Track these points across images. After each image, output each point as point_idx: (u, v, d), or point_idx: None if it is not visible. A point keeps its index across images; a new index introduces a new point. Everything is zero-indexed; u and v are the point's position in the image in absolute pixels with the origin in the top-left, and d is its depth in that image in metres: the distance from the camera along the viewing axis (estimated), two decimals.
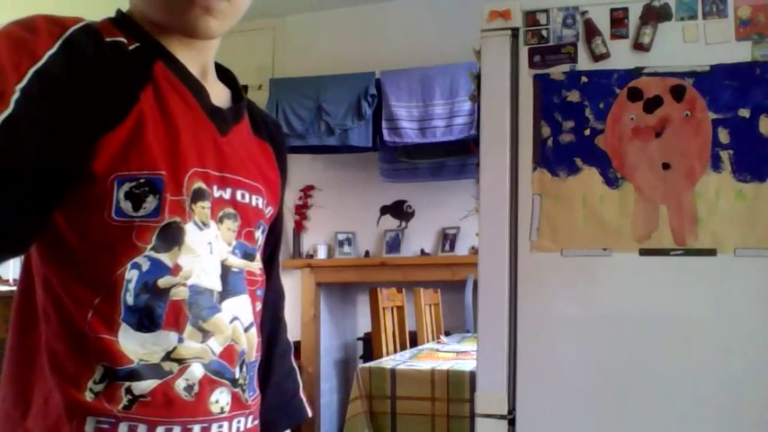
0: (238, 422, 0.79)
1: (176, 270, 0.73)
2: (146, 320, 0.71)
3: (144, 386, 0.71)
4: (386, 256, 4.56)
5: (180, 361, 0.73)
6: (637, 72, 1.57)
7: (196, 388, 0.74)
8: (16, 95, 0.64)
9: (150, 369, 0.71)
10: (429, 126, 4.22)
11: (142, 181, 0.71)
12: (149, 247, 0.71)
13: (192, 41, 0.81)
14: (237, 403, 0.79)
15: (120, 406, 0.70)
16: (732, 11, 1.53)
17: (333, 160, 4.79)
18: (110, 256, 0.71)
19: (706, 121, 1.53)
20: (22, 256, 0.76)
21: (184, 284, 0.73)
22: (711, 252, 1.51)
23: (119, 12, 0.82)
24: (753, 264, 1.49)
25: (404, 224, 4.65)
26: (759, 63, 1.51)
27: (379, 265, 4.49)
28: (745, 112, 1.51)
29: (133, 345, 0.71)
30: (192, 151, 0.76)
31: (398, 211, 4.68)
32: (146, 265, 0.71)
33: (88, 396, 0.70)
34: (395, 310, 3.48)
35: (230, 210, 0.80)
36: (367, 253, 4.68)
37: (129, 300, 0.71)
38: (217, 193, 0.78)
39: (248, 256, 0.83)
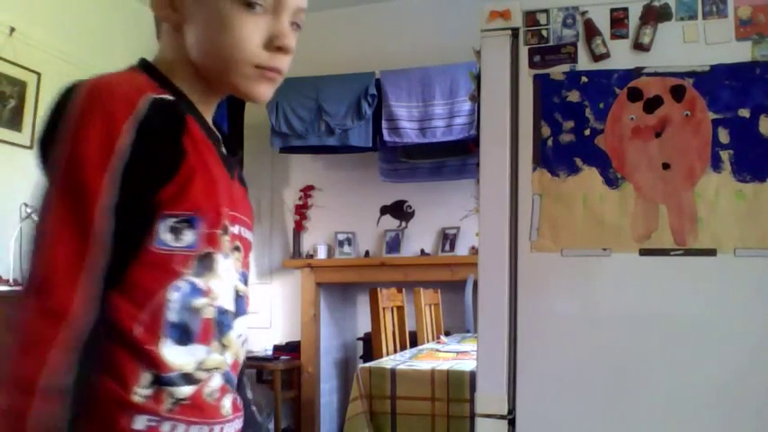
0: (236, 423, 0.90)
1: (208, 292, 0.83)
2: (183, 335, 0.81)
3: (183, 391, 0.81)
4: (386, 256, 4.56)
5: (207, 371, 0.83)
6: (637, 72, 1.57)
7: (216, 394, 0.85)
8: (100, 218, 0.75)
9: (186, 377, 0.81)
10: (429, 126, 4.22)
11: (184, 218, 0.81)
12: (189, 272, 0.81)
13: (219, 96, 0.92)
14: (235, 407, 0.89)
15: (165, 407, 0.79)
16: (732, 11, 1.53)
17: (333, 160, 4.79)
18: (154, 280, 0.80)
19: (706, 121, 1.53)
20: None
21: (212, 305, 0.84)
22: (711, 252, 1.51)
23: (149, 64, 0.89)
24: (753, 264, 1.49)
25: (404, 224, 4.65)
26: (759, 63, 1.51)
27: (379, 265, 4.49)
28: (745, 112, 1.51)
29: (173, 356, 0.80)
30: (223, 194, 0.87)
31: (398, 211, 4.67)
32: (185, 288, 0.81)
33: (136, 398, 0.78)
34: (395, 310, 3.48)
35: (238, 243, 0.90)
36: (367, 253, 4.68)
37: (171, 317, 0.80)
38: (231, 229, 0.89)
39: (246, 282, 0.94)
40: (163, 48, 0.90)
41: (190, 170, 0.81)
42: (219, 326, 0.85)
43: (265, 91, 0.88)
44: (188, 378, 0.81)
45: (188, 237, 0.81)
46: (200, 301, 0.82)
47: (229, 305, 0.87)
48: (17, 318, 0.72)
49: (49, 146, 0.77)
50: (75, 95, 0.77)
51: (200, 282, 0.82)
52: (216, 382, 0.84)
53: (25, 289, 0.74)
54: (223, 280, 0.85)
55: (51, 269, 0.73)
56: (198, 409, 0.82)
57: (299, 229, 4.82)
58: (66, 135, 0.75)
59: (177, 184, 0.80)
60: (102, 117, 0.76)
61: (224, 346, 0.86)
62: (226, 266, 0.86)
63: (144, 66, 0.89)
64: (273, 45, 0.86)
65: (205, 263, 0.83)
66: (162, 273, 0.80)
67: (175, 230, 0.80)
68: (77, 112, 0.76)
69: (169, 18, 0.87)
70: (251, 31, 0.84)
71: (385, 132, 4.27)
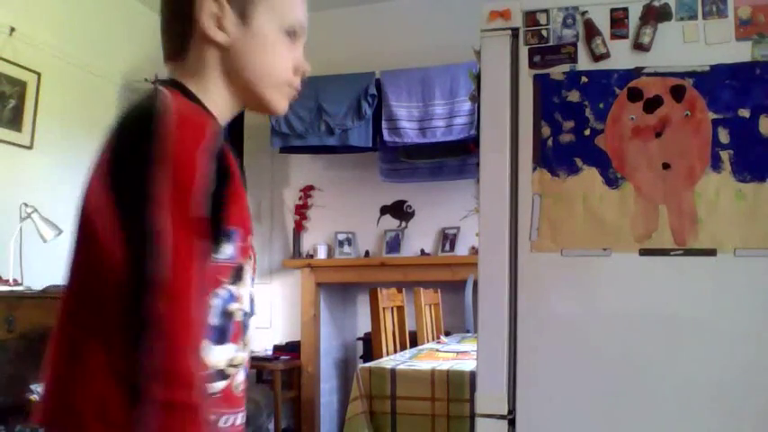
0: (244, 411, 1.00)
1: (239, 298, 0.94)
2: (220, 337, 0.91)
3: (216, 386, 0.90)
4: (386, 256, 4.56)
5: (235, 366, 0.94)
6: (637, 72, 1.57)
7: (240, 386, 0.96)
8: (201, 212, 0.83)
9: (219, 373, 0.91)
10: (429, 126, 4.22)
11: (226, 233, 0.89)
12: (227, 281, 0.92)
13: (234, 113, 1.02)
14: (244, 397, 0.98)
15: None
16: (732, 11, 1.53)
17: (333, 160, 4.79)
18: (202, 288, 0.87)
19: (706, 121, 1.53)
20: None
21: (240, 309, 0.94)
22: (711, 252, 1.51)
23: (182, 85, 0.95)
24: (753, 264, 1.49)
25: (404, 224, 4.65)
26: (759, 63, 1.51)
27: (379, 265, 4.49)
28: (745, 112, 1.51)
29: (211, 355, 0.89)
30: (248, 208, 0.96)
31: (398, 211, 4.67)
32: (224, 295, 0.91)
33: None
34: (395, 310, 3.48)
35: (251, 252, 0.99)
36: (367, 253, 4.68)
37: (213, 321, 0.90)
38: (249, 240, 0.97)
39: (253, 284, 1.02)
40: (193, 67, 0.97)
41: (235, 188, 0.90)
42: (243, 327, 0.95)
43: (287, 105, 1.04)
44: (221, 374, 0.91)
45: (228, 250, 0.90)
46: (234, 306, 0.93)
47: (249, 308, 0.97)
48: (155, 316, 0.78)
49: (132, 165, 0.83)
50: (161, 122, 0.83)
51: (234, 289, 0.93)
52: (240, 376, 0.95)
53: (152, 292, 0.79)
54: (247, 287, 0.96)
55: (176, 277, 0.80)
56: (228, 400, 0.92)
57: (299, 229, 4.82)
58: (162, 158, 0.81)
59: (225, 201, 0.88)
60: (189, 142, 0.84)
61: (244, 345, 0.96)
62: (249, 275, 0.96)
63: (176, 86, 0.95)
64: (300, 69, 1.02)
65: (238, 273, 0.93)
66: (208, 282, 0.88)
67: (216, 242, 0.88)
68: (169, 136, 0.83)
69: (216, 37, 0.95)
70: (289, 57, 1.00)
71: (385, 132, 4.27)
